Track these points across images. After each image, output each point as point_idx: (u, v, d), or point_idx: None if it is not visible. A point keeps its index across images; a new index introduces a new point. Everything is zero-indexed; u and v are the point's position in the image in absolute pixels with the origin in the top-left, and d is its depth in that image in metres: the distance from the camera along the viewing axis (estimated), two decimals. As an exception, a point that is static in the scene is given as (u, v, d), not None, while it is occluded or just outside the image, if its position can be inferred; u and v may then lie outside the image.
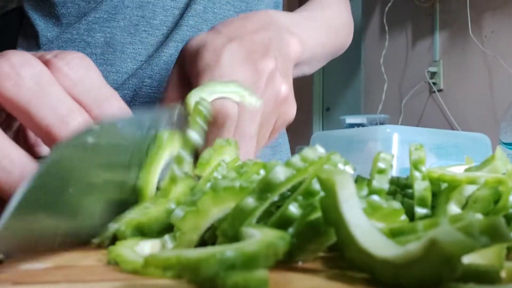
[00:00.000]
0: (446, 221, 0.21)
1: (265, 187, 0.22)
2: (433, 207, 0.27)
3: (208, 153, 0.32)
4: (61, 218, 0.23)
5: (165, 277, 0.20)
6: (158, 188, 0.30)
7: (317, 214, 0.22)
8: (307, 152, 0.23)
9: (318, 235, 0.21)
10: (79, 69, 0.29)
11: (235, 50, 0.39)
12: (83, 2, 0.58)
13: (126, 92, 0.58)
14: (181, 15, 0.60)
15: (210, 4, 0.60)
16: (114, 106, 0.29)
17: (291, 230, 0.22)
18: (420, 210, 0.27)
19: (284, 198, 0.24)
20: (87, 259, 0.24)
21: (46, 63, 0.29)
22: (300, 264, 0.23)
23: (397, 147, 0.88)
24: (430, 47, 2.13)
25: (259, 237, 0.19)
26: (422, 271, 0.17)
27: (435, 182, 0.29)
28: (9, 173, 0.25)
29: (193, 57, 0.40)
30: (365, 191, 0.25)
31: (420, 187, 0.27)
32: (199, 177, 0.31)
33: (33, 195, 0.21)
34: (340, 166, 0.24)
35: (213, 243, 0.23)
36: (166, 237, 0.25)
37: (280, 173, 0.22)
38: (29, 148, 0.33)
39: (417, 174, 0.28)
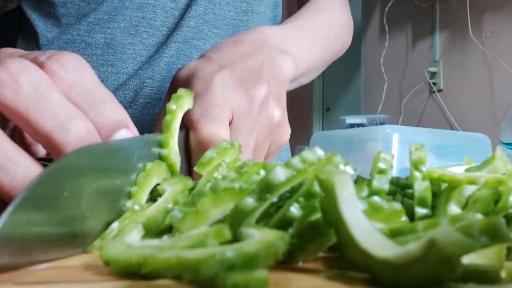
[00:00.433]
0: (446, 221, 0.21)
1: (265, 188, 0.22)
2: (433, 207, 0.27)
3: (210, 153, 0.32)
4: (54, 228, 0.23)
5: (165, 277, 0.20)
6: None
7: (318, 215, 0.22)
8: (307, 153, 0.23)
9: (318, 235, 0.21)
10: (74, 71, 0.29)
11: (226, 78, 0.39)
12: (83, 3, 0.58)
13: (127, 92, 0.58)
14: (182, 16, 0.60)
15: (210, 5, 0.60)
16: (110, 108, 0.29)
17: (291, 230, 0.22)
18: (420, 210, 0.27)
19: (283, 199, 0.24)
20: (88, 259, 0.24)
21: (41, 65, 0.28)
22: (300, 264, 0.23)
23: (397, 147, 0.88)
24: (430, 47, 2.13)
25: (259, 237, 0.19)
26: (422, 271, 0.17)
27: (435, 182, 0.29)
28: (13, 177, 0.25)
29: (184, 85, 0.40)
30: (365, 192, 0.25)
31: (420, 187, 0.27)
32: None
33: (28, 205, 0.21)
34: (341, 166, 0.24)
35: None
36: (165, 238, 0.25)
37: (280, 174, 0.22)
38: (26, 147, 0.33)
39: (417, 174, 0.28)
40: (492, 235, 0.16)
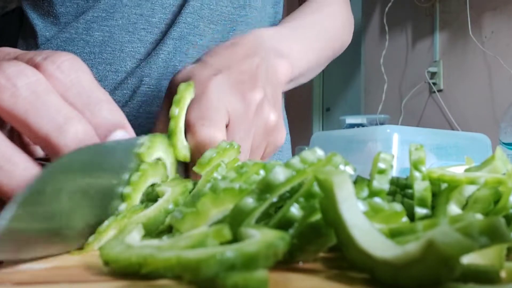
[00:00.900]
0: (445, 222, 0.21)
1: (265, 188, 0.22)
2: (433, 207, 0.27)
3: (210, 154, 0.32)
4: (53, 224, 0.23)
5: (165, 277, 0.20)
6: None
7: (318, 216, 0.22)
8: (307, 153, 0.23)
9: (318, 236, 0.21)
10: (70, 72, 0.29)
11: (222, 82, 0.40)
12: (82, 1, 0.58)
13: (125, 92, 0.58)
14: (179, 12, 0.59)
15: (206, 0, 0.60)
16: (106, 109, 0.29)
17: (291, 231, 0.22)
18: (420, 210, 0.27)
19: (283, 199, 0.24)
20: (87, 259, 0.24)
21: (37, 66, 0.28)
22: (300, 264, 0.23)
23: (397, 147, 0.88)
24: (430, 47, 2.13)
25: (259, 238, 0.19)
26: (421, 272, 0.17)
27: (435, 182, 0.29)
28: (11, 177, 0.25)
29: None
30: (365, 192, 0.25)
31: (420, 187, 0.27)
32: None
33: (28, 202, 0.22)
34: (341, 167, 0.24)
35: None
36: (165, 238, 0.25)
37: (280, 174, 0.22)
38: (24, 147, 0.33)
39: (417, 174, 0.28)
40: (492, 236, 0.16)
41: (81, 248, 0.26)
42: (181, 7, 0.60)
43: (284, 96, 0.76)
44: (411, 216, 0.27)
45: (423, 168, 0.28)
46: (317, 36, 0.60)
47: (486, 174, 0.28)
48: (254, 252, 0.17)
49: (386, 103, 2.30)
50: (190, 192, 0.30)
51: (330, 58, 0.66)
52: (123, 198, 0.28)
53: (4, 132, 0.32)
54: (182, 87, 0.37)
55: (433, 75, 2.09)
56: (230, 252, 0.16)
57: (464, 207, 0.27)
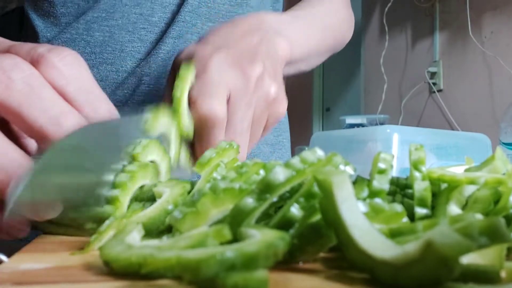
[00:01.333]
0: (445, 222, 0.21)
1: (265, 188, 0.22)
2: (434, 207, 0.27)
3: (209, 154, 0.32)
4: (63, 193, 0.27)
5: (165, 277, 0.20)
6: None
7: (318, 216, 0.22)
8: (307, 154, 0.23)
9: (319, 237, 0.21)
10: (73, 66, 0.30)
11: (222, 58, 0.41)
12: (83, 2, 0.58)
13: (126, 91, 0.58)
14: (178, 11, 0.60)
15: None
16: (105, 107, 0.30)
17: (291, 231, 0.22)
18: (420, 210, 0.27)
19: (283, 200, 0.24)
20: (87, 259, 0.24)
21: (40, 57, 0.29)
22: (300, 264, 0.23)
23: (397, 147, 0.88)
24: (430, 47, 2.13)
25: (259, 238, 0.19)
26: (421, 272, 0.17)
27: (435, 183, 0.29)
28: (6, 173, 0.26)
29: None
30: (365, 192, 0.25)
31: (420, 187, 0.27)
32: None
33: (42, 172, 0.25)
34: (341, 167, 0.24)
35: None
36: (165, 238, 0.25)
37: (280, 174, 0.22)
38: (15, 140, 0.33)
39: (417, 174, 0.28)
40: (492, 236, 0.16)
41: (82, 248, 0.26)
42: (180, 6, 0.60)
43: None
44: (411, 216, 0.27)
45: (423, 168, 0.28)
46: (318, 25, 0.61)
47: (486, 174, 0.28)
48: (254, 252, 0.17)
49: (386, 103, 2.30)
50: (188, 193, 0.30)
51: (330, 50, 0.67)
52: (109, 201, 0.29)
53: None
54: (183, 69, 0.38)
55: (433, 75, 2.08)
56: (230, 252, 0.16)
57: (464, 207, 0.27)
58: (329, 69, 2.91)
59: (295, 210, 0.23)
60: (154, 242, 0.24)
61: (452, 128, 1.97)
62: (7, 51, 0.31)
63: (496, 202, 0.26)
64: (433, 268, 0.17)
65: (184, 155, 0.39)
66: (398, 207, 0.23)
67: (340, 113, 2.31)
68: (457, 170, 0.29)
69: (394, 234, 0.22)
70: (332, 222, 0.20)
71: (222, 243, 0.20)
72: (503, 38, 1.78)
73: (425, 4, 2.10)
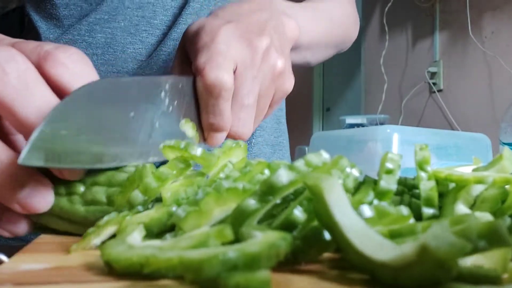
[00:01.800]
0: (446, 224, 0.20)
1: (268, 190, 0.22)
2: (442, 207, 0.27)
3: (216, 153, 0.32)
4: (87, 138, 0.27)
5: (167, 277, 0.20)
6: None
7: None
8: (312, 157, 0.23)
9: (322, 239, 0.21)
10: (79, 64, 0.30)
11: (231, 30, 0.42)
12: (85, 4, 0.58)
13: (127, 93, 0.58)
14: (179, 13, 0.60)
15: (206, 1, 0.61)
16: None
17: (294, 233, 0.22)
18: (427, 211, 0.27)
19: (286, 201, 0.24)
20: (88, 259, 0.24)
21: (47, 54, 0.29)
22: (302, 265, 0.22)
23: (397, 147, 0.87)
24: (430, 47, 2.13)
25: (261, 238, 0.19)
26: (419, 273, 0.17)
27: (443, 182, 0.28)
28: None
29: (193, 38, 0.42)
30: (371, 196, 0.25)
31: (426, 187, 0.27)
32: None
33: (62, 115, 0.26)
34: (348, 169, 0.24)
35: None
36: (168, 236, 0.25)
37: (283, 176, 0.22)
38: (4, 136, 0.33)
39: (422, 174, 0.28)
40: (491, 239, 0.16)
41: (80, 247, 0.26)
42: (182, 9, 0.60)
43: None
44: (420, 217, 0.27)
45: (428, 168, 0.28)
46: (325, 18, 0.62)
47: (493, 173, 0.27)
48: (256, 253, 0.16)
49: (386, 103, 2.30)
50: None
51: (336, 45, 0.68)
52: (112, 202, 0.29)
53: None
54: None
55: (433, 75, 2.09)
56: (232, 252, 0.16)
57: (472, 206, 0.27)
58: (329, 69, 2.91)
59: (298, 213, 0.23)
60: (155, 242, 0.24)
61: (452, 128, 1.97)
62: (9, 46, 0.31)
63: (504, 201, 0.26)
64: (431, 270, 0.16)
65: (191, 126, 0.39)
66: (404, 210, 0.23)
67: (340, 113, 2.31)
68: (465, 170, 0.29)
69: (394, 235, 0.22)
70: (328, 226, 0.20)
71: (223, 244, 0.19)
72: (503, 38, 1.78)
73: (425, 4, 2.10)
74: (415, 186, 0.30)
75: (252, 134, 0.66)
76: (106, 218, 0.27)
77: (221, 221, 0.24)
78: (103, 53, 0.58)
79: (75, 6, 0.58)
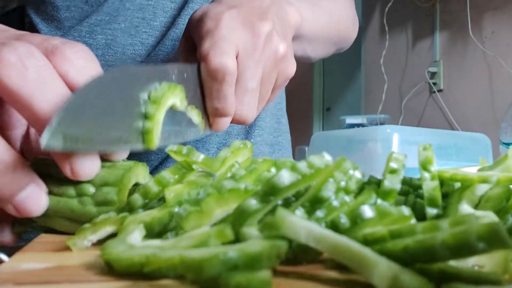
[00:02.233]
0: (446, 225, 0.20)
1: (269, 190, 0.22)
2: (446, 207, 0.27)
3: (224, 153, 0.32)
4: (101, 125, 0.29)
5: (168, 277, 0.20)
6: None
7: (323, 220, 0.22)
8: (314, 158, 0.23)
9: None
10: (85, 60, 0.30)
11: (234, 16, 0.42)
12: (86, 6, 0.58)
13: (127, 93, 0.59)
14: (178, 15, 0.60)
15: (205, 2, 0.61)
16: None
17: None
18: (431, 211, 0.27)
19: (288, 202, 0.24)
20: (88, 259, 0.24)
21: (54, 48, 0.29)
22: (303, 265, 0.22)
23: (398, 147, 0.87)
24: (430, 47, 2.13)
25: (261, 238, 0.19)
26: None
27: (448, 182, 0.29)
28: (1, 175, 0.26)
29: (197, 24, 0.43)
30: (373, 199, 0.25)
31: (429, 187, 0.27)
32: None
33: (79, 101, 0.27)
34: (350, 172, 0.24)
35: None
36: (169, 235, 0.25)
37: (285, 177, 0.22)
38: (0, 131, 0.33)
39: (425, 174, 0.28)
40: (491, 241, 0.16)
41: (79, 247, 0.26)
42: (181, 10, 0.60)
43: (284, 97, 0.76)
44: (424, 217, 0.27)
45: (432, 168, 0.28)
46: (325, 13, 0.63)
47: (498, 173, 0.27)
48: (257, 253, 0.16)
49: (386, 103, 2.30)
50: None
51: (336, 42, 0.68)
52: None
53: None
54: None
55: (433, 75, 2.08)
56: (233, 252, 0.16)
57: (476, 206, 0.27)
58: (329, 69, 2.91)
59: (299, 213, 0.23)
60: (155, 242, 0.24)
61: (452, 128, 1.97)
62: (17, 39, 0.31)
63: (508, 200, 0.26)
64: None
65: (196, 113, 0.39)
66: (406, 210, 0.23)
67: (340, 113, 2.31)
68: (471, 171, 0.29)
69: (393, 236, 0.22)
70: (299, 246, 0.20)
71: (224, 243, 0.19)
72: (503, 38, 1.78)
73: (425, 4, 2.10)
74: (421, 187, 0.30)
75: (251, 133, 0.66)
76: (102, 216, 0.27)
77: (222, 221, 0.24)
78: (103, 54, 0.58)
79: (76, 8, 0.58)
